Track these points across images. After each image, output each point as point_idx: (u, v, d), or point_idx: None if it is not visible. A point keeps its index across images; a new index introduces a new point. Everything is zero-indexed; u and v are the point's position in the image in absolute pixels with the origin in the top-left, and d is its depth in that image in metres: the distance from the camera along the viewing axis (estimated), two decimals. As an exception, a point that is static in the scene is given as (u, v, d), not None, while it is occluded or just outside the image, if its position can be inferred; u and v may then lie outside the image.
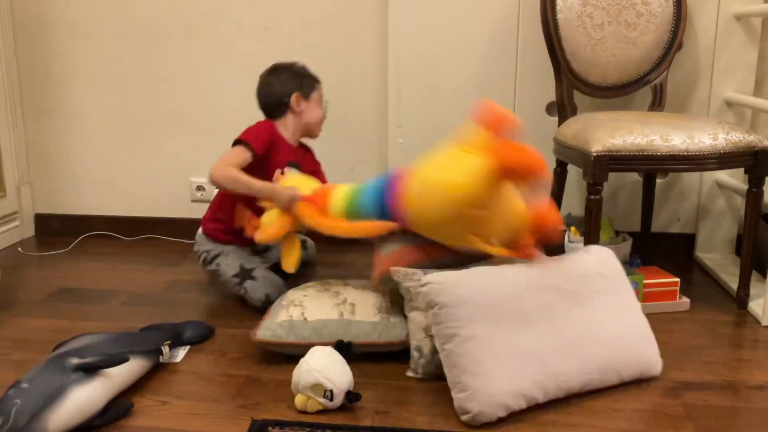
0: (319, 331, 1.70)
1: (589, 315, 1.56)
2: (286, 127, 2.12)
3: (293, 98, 2.09)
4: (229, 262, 2.07)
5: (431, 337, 1.58)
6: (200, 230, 2.16)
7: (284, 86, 2.11)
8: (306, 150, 2.25)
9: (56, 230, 2.82)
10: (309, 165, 2.20)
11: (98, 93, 2.70)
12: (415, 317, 1.63)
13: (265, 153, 2.02)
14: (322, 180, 2.18)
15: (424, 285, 1.49)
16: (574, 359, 1.50)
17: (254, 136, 2.02)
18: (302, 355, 1.71)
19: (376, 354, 1.70)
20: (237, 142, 2.01)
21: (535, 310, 1.50)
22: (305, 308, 1.75)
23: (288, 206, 1.87)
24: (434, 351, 1.58)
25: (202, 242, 2.14)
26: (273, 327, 1.71)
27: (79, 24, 2.66)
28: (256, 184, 1.93)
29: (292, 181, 1.97)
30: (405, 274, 1.66)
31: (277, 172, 2.03)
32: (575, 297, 1.55)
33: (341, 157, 2.62)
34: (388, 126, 2.52)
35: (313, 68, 2.54)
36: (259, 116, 2.17)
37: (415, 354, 1.63)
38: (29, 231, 2.83)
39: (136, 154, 2.74)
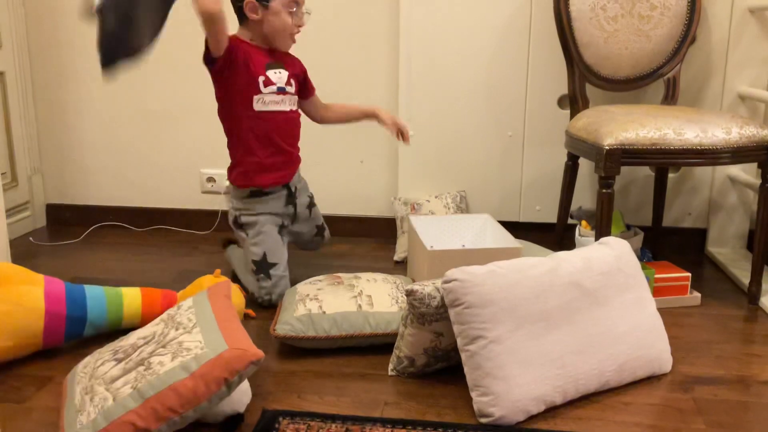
0: (339, 324, 1.70)
1: (608, 314, 1.55)
2: (247, 35, 2.02)
3: (248, 5, 1.96)
4: (258, 240, 2.01)
5: (429, 355, 1.58)
6: (227, 181, 2.10)
7: None
8: (294, 57, 2.11)
9: (67, 220, 2.83)
10: (297, 67, 2.10)
11: (109, 83, 2.71)
12: (418, 334, 1.56)
13: (231, 58, 1.94)
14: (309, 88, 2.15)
15: (449, 282, 1.45)
16: (592, 361, 1.49)
17: None
18: (322, 348, 1.72)
19: (389, 345, 1.69)
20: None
21: (558, 311, 1.48)
22: (322, 301, 1.75)
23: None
24: (427, 365, 1.59)
25: (234, 194, 2.08)
26: (291, 321, 1.70)
27: (91, 15, 2.66)
28: None
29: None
30: (421, 292, 1.53)
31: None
32: (595, 296, 1.54)
33: (351, 149, 2.62)
34: (399, 118, 2.51)
35: (324, 61, 2.56)
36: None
37: (405, 362, 1.59)
38: (41, 221, 2.84)
39: (147, 145, 2.75)
